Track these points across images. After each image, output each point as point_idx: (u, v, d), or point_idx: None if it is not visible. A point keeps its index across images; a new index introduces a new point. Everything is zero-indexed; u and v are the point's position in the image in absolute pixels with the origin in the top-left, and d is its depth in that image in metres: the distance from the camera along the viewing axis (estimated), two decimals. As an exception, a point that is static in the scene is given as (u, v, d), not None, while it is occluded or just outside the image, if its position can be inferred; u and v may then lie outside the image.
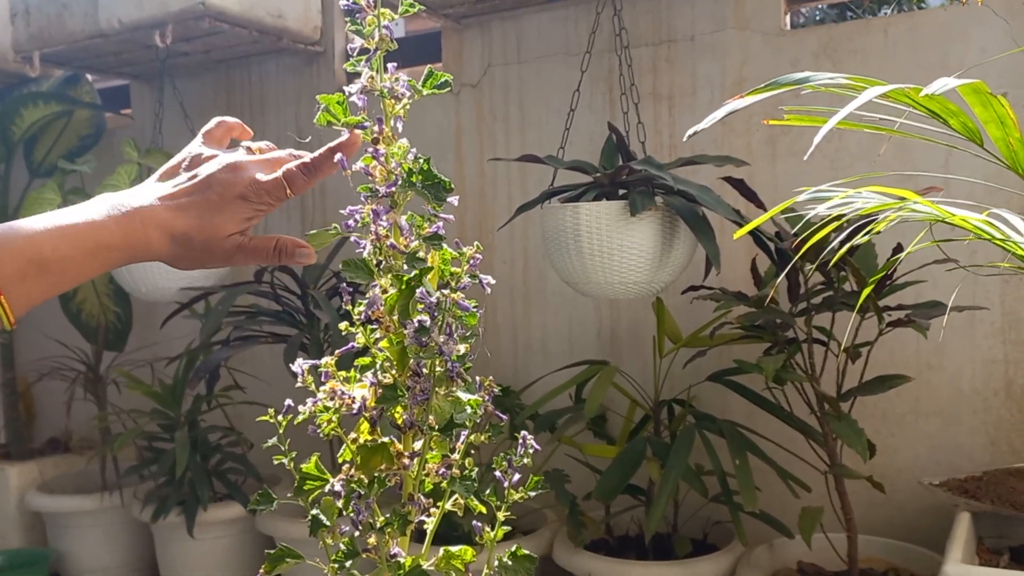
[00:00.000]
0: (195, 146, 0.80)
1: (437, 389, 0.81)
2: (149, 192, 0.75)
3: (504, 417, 0.86)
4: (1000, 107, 0.66)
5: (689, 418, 2.09)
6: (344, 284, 0.87)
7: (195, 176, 0.75)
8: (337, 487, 0.82)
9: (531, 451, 0.87)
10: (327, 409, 0.82)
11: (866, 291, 0.98)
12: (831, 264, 0.98)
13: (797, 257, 1.45)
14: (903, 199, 0.71)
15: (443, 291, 0.79)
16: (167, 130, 2.93)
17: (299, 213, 3.10)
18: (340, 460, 0.83)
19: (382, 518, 0.80)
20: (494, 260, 2.71)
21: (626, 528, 2.30)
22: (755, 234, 1.83)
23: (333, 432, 0.83)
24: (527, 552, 0.85)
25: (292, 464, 0.86)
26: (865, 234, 0.76)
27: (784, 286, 1.91)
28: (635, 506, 2.23)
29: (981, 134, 0.71)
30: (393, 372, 0.82)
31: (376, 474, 0.81)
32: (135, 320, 3.28)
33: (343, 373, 0.84)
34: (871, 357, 1.90)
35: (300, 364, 0.84)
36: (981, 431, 2.08)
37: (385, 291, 0.82)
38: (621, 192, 1.90)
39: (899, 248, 1.79)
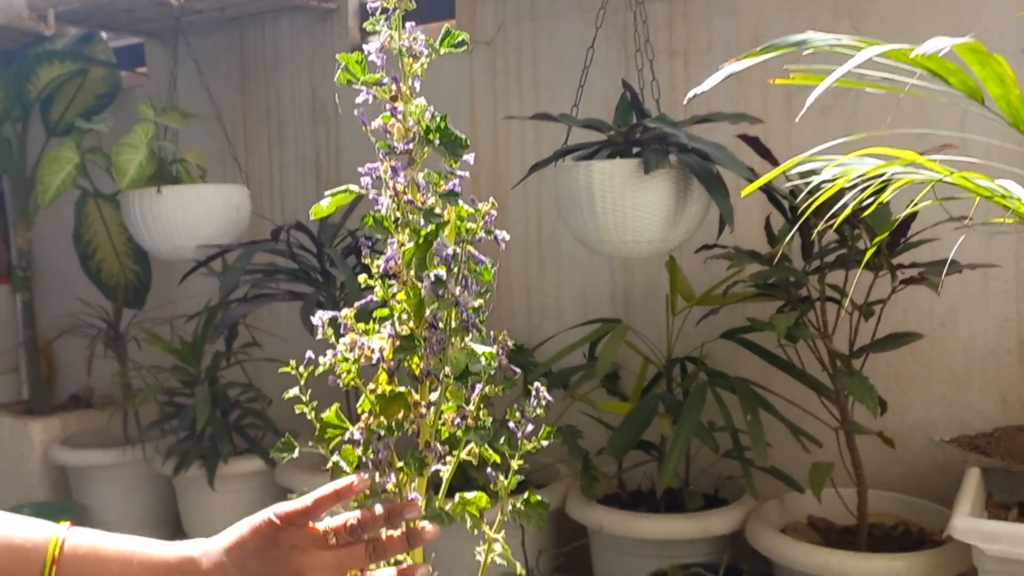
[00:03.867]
0: (278, 530, 0.75)
1: (453, 340, 0.83)
2: (217, 571, 0.74)
3: (518, 371, 0.88)
4: (998, 65, 0.66)
5: (701, 375, 2.11)
6: (363, 239, 0.88)
7: (262, 570, 0.74)
8: (356, 435, 0.85)
9: (544, 403, 0.90)
10: (347, 360, 0.84)
11: (875, 244, 0.99)
12: (837, 224, 0.99)
13: (806, 216, 1.45)
14: (899, 159, 0.72)
15: (459, 245, 0.81)
16: (182, 88, 2.94)
17: (314, 172, 3.11)
18: (359, 410, 0.85)
19: (400, 463, 0.82)
20: (508, 221, 2.72)
21: (638, 483, 2.34)
22: (769, 192, 1.83)
23: (352, 383, 0.85)
24: (540, 498, 0.88)
25: (313, 413, 0.88)
26: (871, 196, 0.77)
27: (798, 244, 1.91)
28: (647, 461, 2.26)
29: (982, 92, 0.71)
30: (410, 324, 0.84)
31: (394, 422, 0.84)
32: (154, 278, 3.32)
33: (362, 325, 0.86)
34: (884, 317, 1.91)
35: (320, 316, 0.86)
36: (993, 389, 2.09)
37: (403, 246, 0.84)
38: (635, 150, 1.90)
39: (914, 214, 1.79)
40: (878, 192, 0.96)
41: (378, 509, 0.78)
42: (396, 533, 0.79)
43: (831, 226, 1.68)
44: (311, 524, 0.76)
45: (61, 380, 3.87)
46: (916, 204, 0.83)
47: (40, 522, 0.72)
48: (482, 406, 0.87)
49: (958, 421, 2.13)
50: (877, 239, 0.95)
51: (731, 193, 1.86)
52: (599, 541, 2.13)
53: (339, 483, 0.78)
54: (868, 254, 0.92)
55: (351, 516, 0.77)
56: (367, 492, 0.82)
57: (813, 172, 0.79)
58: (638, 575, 1.94)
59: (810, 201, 0.80)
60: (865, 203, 0.78)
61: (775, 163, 1.86)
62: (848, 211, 0.79)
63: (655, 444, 2.21)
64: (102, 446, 3.01)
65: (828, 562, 1.72)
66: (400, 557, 0.83)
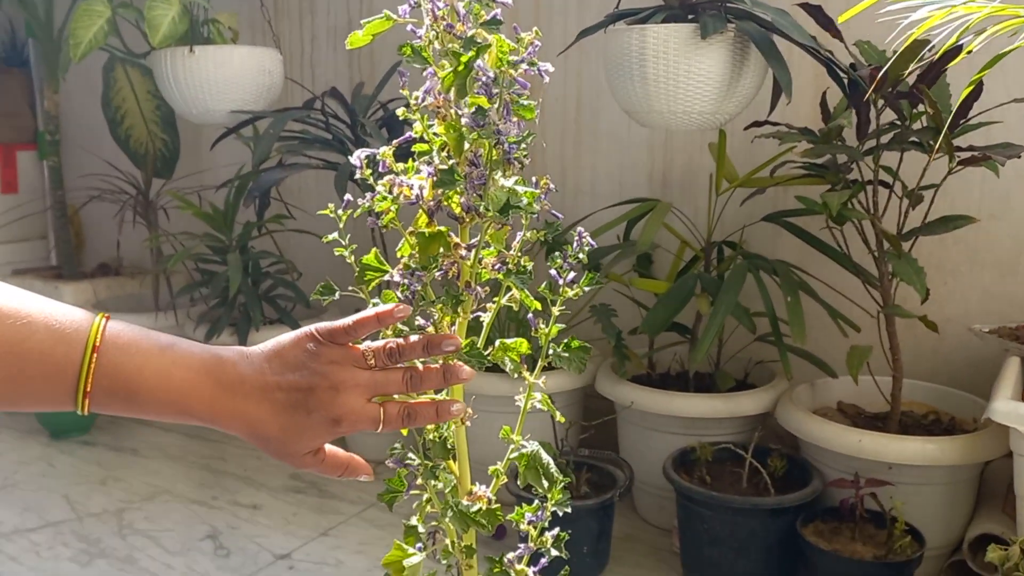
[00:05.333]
0: (319, 344, 0.74)
1: (494, 175, 0.79)
2: (256, 375, 0.72)
3: (560, 216, 0.85)
4: None
5: (739, 259, 2.07)
6: (400, 69, 0.84)
7: (300, 380, 0.72)
8: (396, 277, 0.83)
9: (588, 248, 0.87)
10: (386, 199, 0.82)
11: (951, 115, 0.93)
12: (945, 49, 0.91)
13: (875, 84, 1.37)
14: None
15: (501, 68, 0.77)
16: (213, -52, 2.83)
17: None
18: (398, 254, 0.83)
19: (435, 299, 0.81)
20: (546, 98, 2.64)
21: (667, 366, 2.33)
22: (828, 65, 1.74)
23: (391, 225, 0.83)
24: (582, 343, 0.86)
25: (352, 256, 0.86)
26: (956, 43, 0.70)
27: (853, 123, 1.83)
28: (678, 342, 2.25)
29: None
30: (450, 161, 0.81)
31: (431, 259, 0.82)
32: (182, 149, 3.28)
33: (400, 165, 0.83)
34: (933, 207, 1.84)
35: (358, 155, 0.83)
36: (1040, 282, 2.04)
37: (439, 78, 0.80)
38: (690, 16, 1.80)
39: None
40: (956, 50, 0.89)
41: (415, 339, 0.77)
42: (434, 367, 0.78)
43: (895, 98, 1.60)
44: (351, 344, 0.75)
45: (88, 249, 3.89)
46: (1015, 46, 0.76)
47: (77, 309, 0.69)
48: (522, 252, 0.84)
49: (998, 313, 2.08)
50: (959, 102, 0.88)
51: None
52: (626, 417, 2.13)
53: (380, 307, 0.76)
54: (946, 124, 0.86)
55: (391, 341, 0.76)
56: (404, 327, 0.80)
57: (909, 9, 0.73)
58: (665, 451, 1.94)
59: (904, 38, 0.73)
60: (959, 44, 0.72)
61: (837, 34, 1.76)
62: (950, 44, 0.72)
63: (688, 327, 2.19)
64: (133, 311, 3.04)
65: (861, 442, 1.71)
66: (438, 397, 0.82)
